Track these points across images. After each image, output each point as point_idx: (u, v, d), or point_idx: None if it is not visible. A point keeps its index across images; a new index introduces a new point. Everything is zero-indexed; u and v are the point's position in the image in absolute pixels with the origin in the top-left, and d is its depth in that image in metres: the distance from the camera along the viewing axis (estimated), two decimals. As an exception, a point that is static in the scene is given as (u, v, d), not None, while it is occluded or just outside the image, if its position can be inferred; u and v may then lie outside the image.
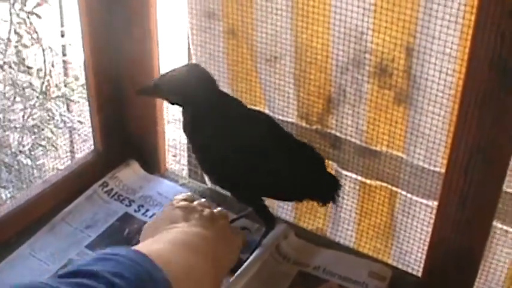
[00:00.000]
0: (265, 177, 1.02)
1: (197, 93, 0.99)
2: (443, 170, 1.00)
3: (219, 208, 1.00)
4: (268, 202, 1.30)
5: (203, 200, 1.00)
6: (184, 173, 1.52)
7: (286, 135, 1.08)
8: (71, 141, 3.15)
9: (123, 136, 1.32)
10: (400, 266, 1.19)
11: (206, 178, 1.32)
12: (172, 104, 1.03)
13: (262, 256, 1.09)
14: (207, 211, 0.93)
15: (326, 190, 1.08)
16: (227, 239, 0.91)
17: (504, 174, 0.93)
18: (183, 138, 1.74)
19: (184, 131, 1.04)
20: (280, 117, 1.20)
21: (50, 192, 1.20)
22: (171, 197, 1.22)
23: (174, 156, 2.80)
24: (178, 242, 0.81)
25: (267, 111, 1.21)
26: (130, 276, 0.62)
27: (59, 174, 1.25)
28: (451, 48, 0.96)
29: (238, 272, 1.05)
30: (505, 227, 1.08)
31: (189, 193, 1.08)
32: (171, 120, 2.67)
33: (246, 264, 1.06)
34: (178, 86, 1.00)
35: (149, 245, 0.77)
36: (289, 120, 1.19)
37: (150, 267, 0.66)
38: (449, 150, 0.94)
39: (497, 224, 1.07)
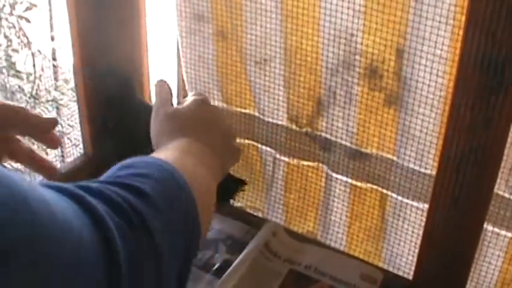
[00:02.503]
0: None
1: None
2: (434, 172, 1.00)
3: None
4: (257, 204, 1.31)
5: None
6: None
7: None
8: (61, 146, 3.14)
9: (113, 140, 1.31)
10: (390, 269, 1.18)
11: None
12: None
13: (252, 254, 1.09)
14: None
15: None
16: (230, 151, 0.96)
17: (496, 176, 0.93)
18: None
19: None
20: (270, 120, 1.19)
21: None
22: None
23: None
24: (186, 151, 0.82)
25: (256, 114, 1.21)
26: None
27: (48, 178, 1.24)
28: (442, 50, 0.95)
29: (228, 271, 1.05)
30: (496, 230, 1.07)
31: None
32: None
33: (235, 263, 1.07)
34: None
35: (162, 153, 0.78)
36: (279, 122, 1.19)
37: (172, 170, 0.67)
38: (440, 152, 0.94)
39: (488, 226, 1.07)
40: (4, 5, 2.61)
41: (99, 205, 0.51)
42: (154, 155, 0.76)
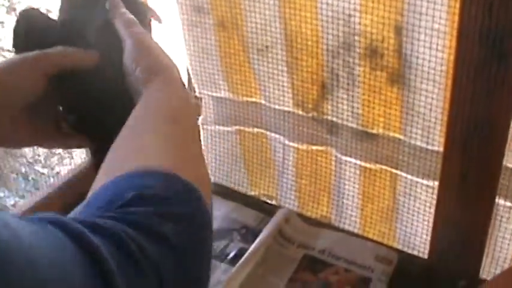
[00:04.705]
0: None
1: None
2: (441, 149, 0.99)
3: None
4: (270, 191, 1.31)
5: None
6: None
7: None
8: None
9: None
10: (405, 249, 1.18)
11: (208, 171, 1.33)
12: None
13: (265, 242, 1.09)
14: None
15: None
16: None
17: (503, 149, 0.92)
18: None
19: None
20: (277, 107, 1.20)
21: (55, 196, 1.20)
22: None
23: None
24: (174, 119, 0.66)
25: (263, 101, 1.21)
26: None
27: (61, 179, 1.26)
28: (440, 24, 0.94)
29: (242, 259, 1.06)
30: (508, 204, 1.06)
31: None
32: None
33: (249, 251, 1.07)
34: None
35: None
36: (286, 109, 1.19)
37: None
38: (446, 128, 0.93)
39: (500, 200, 1.06)
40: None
41: (103, 245, 0.42)
42: (140, 126, 0.63)
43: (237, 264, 1.05)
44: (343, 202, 1.23)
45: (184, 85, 0.74)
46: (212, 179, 1.36)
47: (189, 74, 1.27)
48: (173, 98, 0.68)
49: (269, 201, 1.32)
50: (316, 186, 1.26)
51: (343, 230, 1.18)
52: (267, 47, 1.13)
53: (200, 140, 0.72)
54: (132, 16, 0.76)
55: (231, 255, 1.09)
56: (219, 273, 1.06)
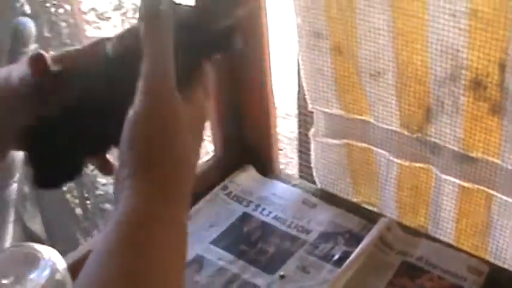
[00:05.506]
0: None
1: None
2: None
3: None
4: (373, 200, 1.41)
5: None
6: (296, 175, 1.65)
7: None
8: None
9: (241, 142, 1.45)
10: (496, 262, 1.26)
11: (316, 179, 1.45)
12: None
13: (368, 247, 1.19)
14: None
15: None
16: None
17: None
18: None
19: None
20: (384, 126, 1.30)
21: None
22: (285, 197, 1.35)
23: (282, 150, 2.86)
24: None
25: (372, 120, 1.32)
26: None
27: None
28: (541, 64, 1.03)
29: (345, 264, 1.16)
30: None
31: None
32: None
33: (352, 257, 1.17)
34: None
35: None
36: (393, 128, 1.29)
37: None
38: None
39: None
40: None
41: None
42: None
43: (342, 267, 1.15)
44: (440, 215, 1.33)
45: (190, 201, 0.52)
46: (319, 185, 1.48)
47: (299, 88, 1.40)
48: (156, 241, 0.48)
49: (371, 209, 1.41)
50: (416, 198, 1.36)
51: (439, 241, 1.27)
52: (379, 72, 1.23)
53: None
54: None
55: (336, 257, 1.20)
56: (325, 273, 1.17)
